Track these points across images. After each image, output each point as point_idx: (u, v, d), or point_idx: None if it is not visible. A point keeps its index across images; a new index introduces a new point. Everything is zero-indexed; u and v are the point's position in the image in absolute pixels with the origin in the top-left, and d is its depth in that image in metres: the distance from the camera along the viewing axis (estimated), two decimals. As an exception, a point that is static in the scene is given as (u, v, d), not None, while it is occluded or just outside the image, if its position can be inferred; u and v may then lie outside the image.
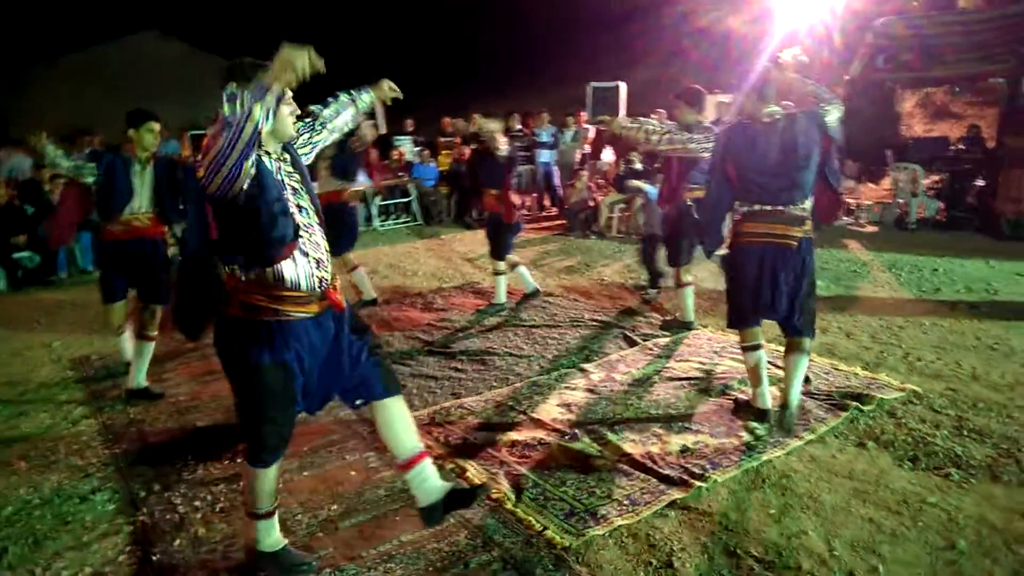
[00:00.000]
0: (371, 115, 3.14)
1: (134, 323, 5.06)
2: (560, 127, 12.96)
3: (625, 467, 3.59)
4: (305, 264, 2.62)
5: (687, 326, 5.79)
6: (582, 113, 13.28)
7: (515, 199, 6.61)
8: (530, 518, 3.16)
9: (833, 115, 3.78)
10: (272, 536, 2.85)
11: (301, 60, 2.31)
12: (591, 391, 4.61)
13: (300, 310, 2.62)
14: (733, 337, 5.00)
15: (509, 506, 3.26)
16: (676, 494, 3.31)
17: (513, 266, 6.78)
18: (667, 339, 5.58)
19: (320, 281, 2.67)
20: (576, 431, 4.01)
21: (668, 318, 6.04)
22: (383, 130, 13.26)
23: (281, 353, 2.59)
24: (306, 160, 2.85)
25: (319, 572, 2.88)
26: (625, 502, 3.26)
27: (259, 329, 2.57)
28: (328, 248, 2.76)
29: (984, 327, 5.53)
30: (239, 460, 3.78)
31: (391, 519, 3.22)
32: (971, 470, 3.43)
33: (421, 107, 16.18)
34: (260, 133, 2.33)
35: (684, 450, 3.74)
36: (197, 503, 3.46)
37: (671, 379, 4.76)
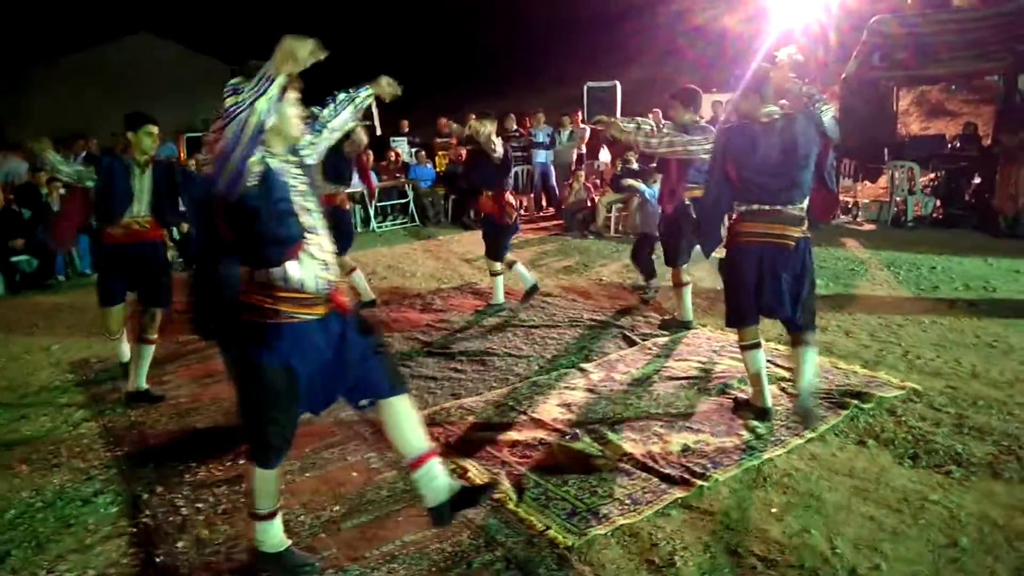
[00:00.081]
0: (367, 116, 3.14)
1: (133, 326, 5.05)
2: (556, 127, 12.97)
3: (626, 466, 3.60)
4: (311, 265, 2.62)
5: (686, 325, 5.80)
6: (578, 113, 13.29)
7: (511, 200, 6.61)
8: (532, 518, 3.16)
9: (828, 115, 3.80)
10: (275, 537, 2.86)
11: (303, 49, 2.30)
12: (591, 391, 4.61)
13: (305, 312, 2.62)
14: (732, 336, 5.01)
15: (511, 506, 3.27)
16: (678, 493, 3.31)
17: (510, 264, 6.78)
18: (666, 338, 5.59)
19: (326, 283, 2.67)
20: (577, 431, 4.02)
21: (667, 317, 6.04)
22: (379, 131, 13.29)
23: (286, 356, 2.58)
24: (310, 162, 2.86)
25: (322, 573, 2.88)
26: (627, 501, 3.27)
27: (264, 331, 2.58)
28: (334, 251, 2.76)
29: (983, 325, 5.55)
30: (241, 462, 3.79)
31: (393, 519, 3.23)
32: (972, 467, 3.44)
33: (417, 108, 16.20)
34: (264, 126, 2.34)
35: (685, 449, 3.75)
36: (200, 505, 3.46)
37: (671, 378, 4.76)
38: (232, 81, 2.51)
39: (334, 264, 2.75)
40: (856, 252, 8.60)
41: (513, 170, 10.29)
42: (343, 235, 6.72)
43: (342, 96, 3.11)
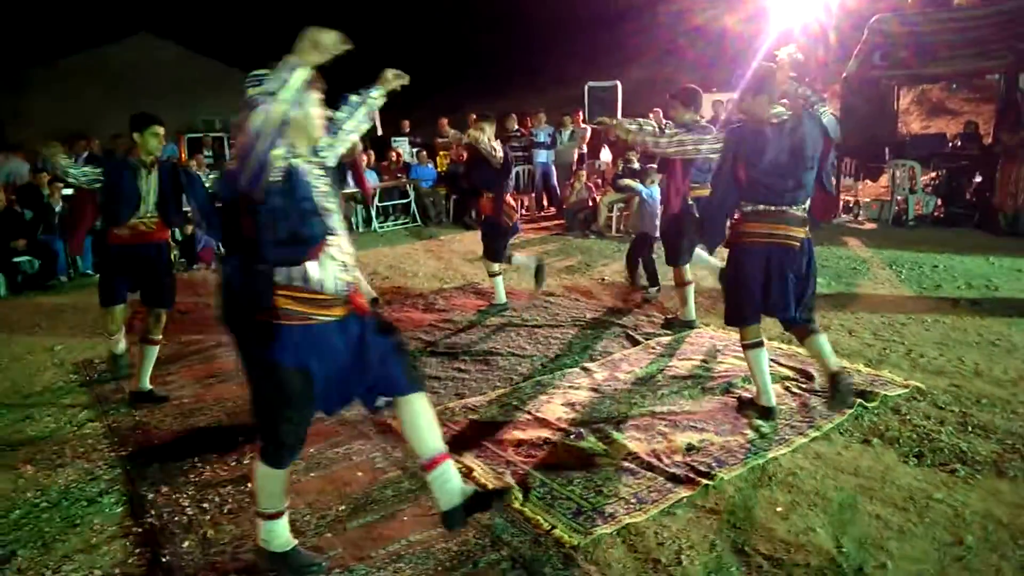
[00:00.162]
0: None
1: (138, 326, 5.05)
2: (557, 127, 12.97)
3: (631, 466, 3.60)
4: (331, 267, 2.62)
5: (689, 324, 5.80)
6: (579, 113, 13.29)
7: (511, 202, 6.60)
8: (538, 517, 3.16)
9: (827, 115, 3.82)
10: (282, 537, 2.86)
11: (330, 38, 2.29)
12: (595, 390, 4.62)
13: (324, 313, 2.61)
14: (735, 335, 4.98)
15: (517, 505, 3.26)
16: (683, 492, 3.31)
17: (509, 259, 6.76)
18: (669, 338, 5.60)
19: (345, 285, 2.66)
20: (581, 430, 4.02)
21: (670, 317, 6.05)
22: (379, 132, 13.30)
23: (302, 357, 2.57)
24: (330, 164, 2.86)
25: (328, 572, 2.88)
26: (632, 500, 3.27)
27: (282, 332, 2.56)
28: (353, 252, 2.75)
29: (986, 323, 5.55)
30: (245, 461, 3.80)
31: (399, 519, 3.23)
32: (976, 466, 3.44)
33: (418, 108, 16.20)
34: (288, 116, 2.32)
35: (690, 448, 3.75)
36: (205, 505, 3.46)
37: (674, 377, 4.77)
38: (255, 72, 2.50)
39: (353, 265, 2.74)
40: (858, 251, 8.61)
41: (514, 171, 10.31)
42: None
43: (354, 98, 3.12)
